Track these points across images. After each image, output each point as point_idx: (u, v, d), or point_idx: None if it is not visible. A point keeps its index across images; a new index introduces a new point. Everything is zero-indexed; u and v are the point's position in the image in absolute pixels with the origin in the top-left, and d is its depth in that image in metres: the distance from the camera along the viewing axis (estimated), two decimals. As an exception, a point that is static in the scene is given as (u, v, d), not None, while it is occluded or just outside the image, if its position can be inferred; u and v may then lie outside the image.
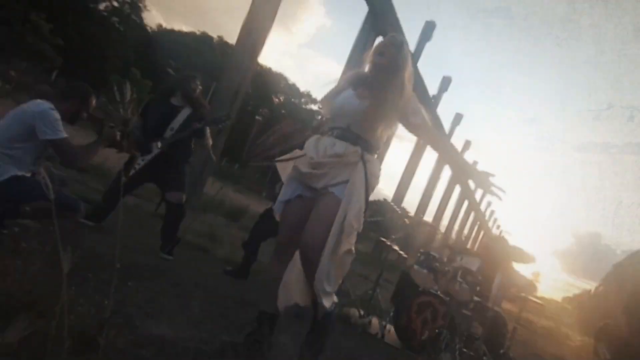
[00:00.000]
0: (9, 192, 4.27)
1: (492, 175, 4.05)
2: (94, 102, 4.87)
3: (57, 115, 4.47)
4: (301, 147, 4.72)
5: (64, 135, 4.50)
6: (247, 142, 5.20)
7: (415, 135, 4.30)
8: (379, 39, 22.25)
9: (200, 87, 6.80)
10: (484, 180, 4.09)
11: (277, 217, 4.23)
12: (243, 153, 5.81)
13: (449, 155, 4.83)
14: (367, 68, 4.24)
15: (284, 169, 4.22)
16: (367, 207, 3.99)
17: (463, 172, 4.47)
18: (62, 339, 1.97)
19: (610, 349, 4.99)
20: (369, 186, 3.93)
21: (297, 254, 4.09)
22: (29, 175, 4.49)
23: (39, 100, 4.54)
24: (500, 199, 4.14)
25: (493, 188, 4.05)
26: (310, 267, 3.82)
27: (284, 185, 4.21)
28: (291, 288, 4.05)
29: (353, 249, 3.91)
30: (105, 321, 2.80)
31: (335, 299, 3.99)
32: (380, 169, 4.17)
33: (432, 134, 4.32)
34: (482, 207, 57.11)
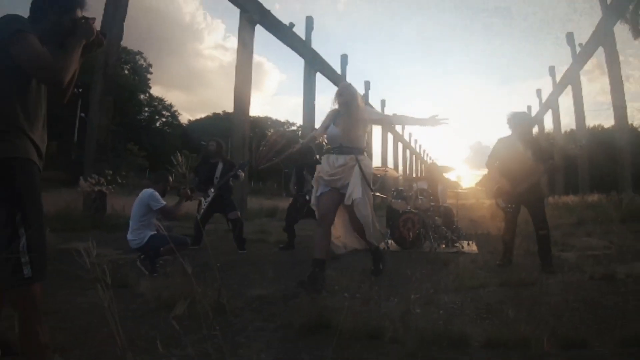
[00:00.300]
0: (152, 244, 4.91)
1: (437, 115, 4.62)
2: (171, 180, 5.40)
3: (156, 194, 5.12)
4: (286, 147, 5.53)
5: (164, 203, 5.11)
6: (252, 157, 5.65)
7: (380, 125, 4.92)
8: (318, 74, 22.69)
9: (214, 145, 7.20)
10: (433, 120, 4.62)
11: (314, 207, 4.72)
12: (252, 164, 6.21)
13: (400, 123, 5.49)
14: (336, 105, 4.81)
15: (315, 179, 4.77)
16: (370, 184, 4.66)
17: (415, 124, 5.07)
18: (205, 308, 2.19)
19: (502, 199, 5.32)
20: (365, 174, 4.55)
21: (341, 221, 4.94)
22: (156, 231, 5.00)
23: (146, 189, 5.21)
24: (448, 123, 4.59)
25: (440, 120, 4.61)
26: (363, 234, 4.75)
27: (314, 187, 4.74)
28: (352, 241, 5.05)
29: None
30: (219, 291, 3.12)
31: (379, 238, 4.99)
32: (370, 160, 4.88)
33: (388, 119, 4.90)
34: (417, 150, 58.13)
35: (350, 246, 5.16)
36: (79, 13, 2.36)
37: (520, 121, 5.48)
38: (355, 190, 4.43)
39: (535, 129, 38.32)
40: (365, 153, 4.75)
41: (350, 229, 4.95)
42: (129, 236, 5.07)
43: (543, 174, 5.35)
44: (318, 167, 4.79)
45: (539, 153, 5.36)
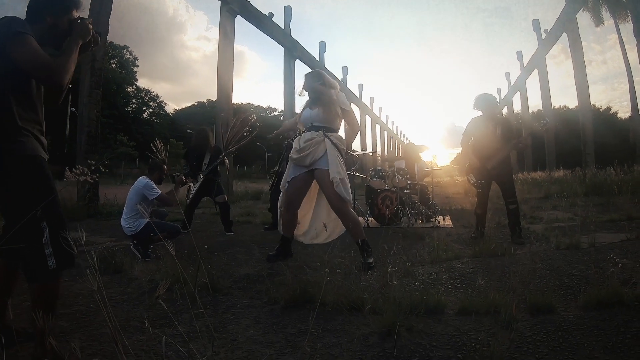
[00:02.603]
0: (146, 232, 4.83)
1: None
2: (165, 168, 5.30)
3: (152, 183, 5.06)
4: (253, 129, 5.36)
5: (159, 191, 5.04)
6: (222, 142, 5.59)
7: (348, 118, 4.47)
8: (297, 61, 22.55)
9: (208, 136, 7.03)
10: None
11: (282, 189, 4.51)
12: (223, 149, 6.16)
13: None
14: (306, 91, 4.58)
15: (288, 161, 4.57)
16: (344, 159, 4.40)
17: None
18: (193, 287, 2.18)
19: (474, 174, 5.40)
20: (338, 148, 4.31)
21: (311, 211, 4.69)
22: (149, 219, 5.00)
23: (141, 177, 5.14)
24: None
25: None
26: (341, 215, 4.27)
27: (286, 172, 4.53)
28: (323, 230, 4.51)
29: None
30: (197, 271, 3.11)
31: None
32: (342, 137, 4.49)
33: (349, 118, 4.57)
34: (394, 131, 58.14)
35: (316, 237, 4.66)
36: (75, 14, 2.31)
37: (485, 102, 5.52)
38: (334, 165, 4.18)
39: (505, 110, 38.77)
40: (338, 132, 4.49)
41: (322, 217, 4.59)
42: (123, 222, 5.01)
43: (511, 150, 5.39)
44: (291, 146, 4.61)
45: (508, 132, 5.42)
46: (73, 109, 32.45)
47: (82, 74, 10.88)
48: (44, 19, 2.22)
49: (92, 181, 1.73)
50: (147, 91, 62.58)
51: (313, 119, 4.40)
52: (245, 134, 6.43)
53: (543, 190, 12.63)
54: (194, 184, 6.67)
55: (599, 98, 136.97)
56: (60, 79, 2.08)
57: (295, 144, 4.45)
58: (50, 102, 2.32)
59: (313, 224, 4.67)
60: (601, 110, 52.59)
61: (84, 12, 2.40)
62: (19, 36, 2.00)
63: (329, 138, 4.28)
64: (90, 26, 2.30)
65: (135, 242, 4.92)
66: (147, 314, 2.84)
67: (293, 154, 4.37)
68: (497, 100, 5.82)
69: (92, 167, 1.68)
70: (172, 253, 1.68)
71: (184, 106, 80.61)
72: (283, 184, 4.50)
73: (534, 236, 5.45)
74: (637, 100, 22.88)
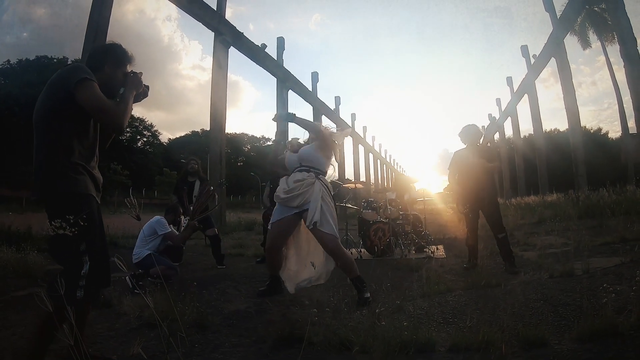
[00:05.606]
0: (146, 263, 5.07)
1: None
2: (180, 211, 5.91)
3: (164, 220, 5.46)
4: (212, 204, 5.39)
5: (169, 230, 5.40)
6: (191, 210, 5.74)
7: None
8: (290, 92, 22.79)
9: (196, 163, 7.06)
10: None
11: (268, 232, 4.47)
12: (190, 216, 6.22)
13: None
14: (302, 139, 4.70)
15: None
16: (332, 196, 4.32)
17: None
18: (182, 326, 2.15)
19: (460, 201, 5.56)
20: (328, 187, 4.28)
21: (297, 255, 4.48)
22: (151, 252, 5.15)
23: (156, 216, 5.47)
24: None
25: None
26: (334, 256, 4.11)
27: (274, 212, 4.38)
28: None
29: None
30: (197, 308, 3.07)
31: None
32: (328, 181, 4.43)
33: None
34: (387, 159, 58.47)
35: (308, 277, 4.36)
36: (129, 67, 2.61)
37: (466, 134, 5.87)
38: (316, 213, 4.00)
39: (496, 135, 39.21)
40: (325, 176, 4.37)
41: (309, 259, 4.33)
42: (134, 251, 5.35)
43: (488, 170, 5.64)
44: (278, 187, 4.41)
45: (487, 159, 5.66)
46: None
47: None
48: (103, 68, 2.49)
49: (70, 234, 1.87)
50: (142, 120, 63.01)
51: (303, 159, 4.31)
52: (214, 204, 6.72)
53: (537, 215, 12.63)
54: (184, 218, 6.57)
55: (590, 119, 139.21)
56: (122, 123, 2.36)
57: (282, 184, 4.31)
58: (100, 145, 2.55)
59: (299, 267, 4.45)
60: (592, 131, 53.16)
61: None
62: (85, 82, 2.26)
63: (320, 179, 4.20)
64: (142, 79, 2.59)
65: (133, 273, 4.98)
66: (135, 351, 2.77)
67: (280, 194, 4.21)
68: (479, 129, 6.02)
69: (71, 221, 1.85)
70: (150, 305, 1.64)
71: (178, 135, 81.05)
72: (270, 225, 4.40)
73: (528, 264, 5.43)
74: (627, 120, 23.22)
